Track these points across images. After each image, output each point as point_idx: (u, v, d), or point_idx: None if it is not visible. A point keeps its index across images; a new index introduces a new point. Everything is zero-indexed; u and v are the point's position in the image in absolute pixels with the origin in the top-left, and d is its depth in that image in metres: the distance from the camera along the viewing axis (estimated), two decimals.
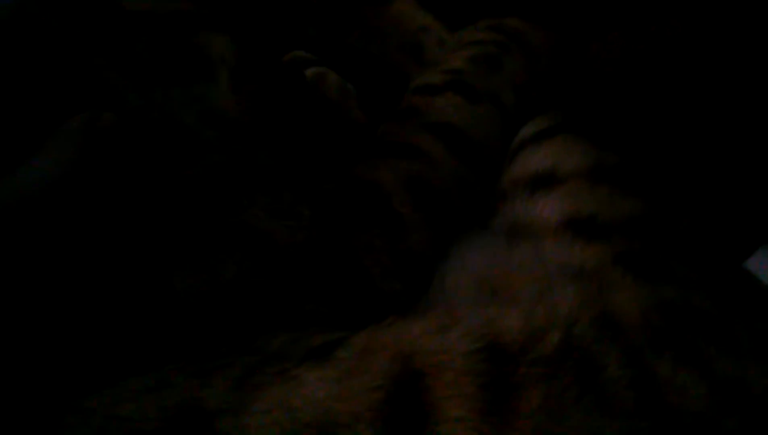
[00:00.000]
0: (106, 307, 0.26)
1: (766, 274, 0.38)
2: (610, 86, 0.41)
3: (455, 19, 0.48)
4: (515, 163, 0.36)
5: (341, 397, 0.21)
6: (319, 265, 0.29)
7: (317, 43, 0.47)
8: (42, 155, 0.26)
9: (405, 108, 0.38)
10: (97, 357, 0.25)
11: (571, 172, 0.33)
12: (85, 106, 0.28)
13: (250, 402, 0.22)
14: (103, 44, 0.30)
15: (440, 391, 0.21)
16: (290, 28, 0.47)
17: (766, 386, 0.26)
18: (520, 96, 0.40)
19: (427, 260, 0.31)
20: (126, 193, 0.28)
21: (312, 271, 0.29)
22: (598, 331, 0.24)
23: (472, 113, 0.37)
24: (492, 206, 0.35)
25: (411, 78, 0.45)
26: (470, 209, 0.35)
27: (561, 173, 0.33)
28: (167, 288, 0.27)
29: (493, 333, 0.23)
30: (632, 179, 0.34)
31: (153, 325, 0.26)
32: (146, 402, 0.22)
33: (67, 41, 0.29)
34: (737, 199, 0.39)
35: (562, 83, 0.42)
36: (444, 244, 0.32)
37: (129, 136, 0.28)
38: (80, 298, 0.26)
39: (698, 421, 0.23)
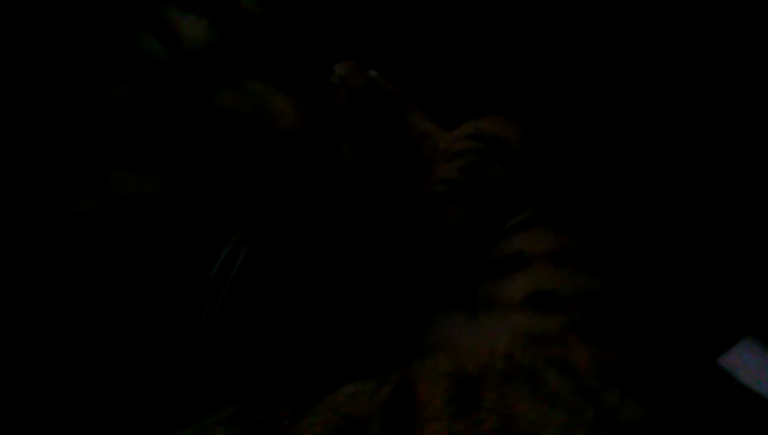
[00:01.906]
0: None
1: (746, 368, 0.43)
2: (576, 184, 0.49)
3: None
4: (494, 251, 0.43)
5: (362, 402, 0.30)
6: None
7: None
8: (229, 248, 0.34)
9: (419, 213, 0.46)
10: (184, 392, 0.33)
11: (537, 255, 0.40)
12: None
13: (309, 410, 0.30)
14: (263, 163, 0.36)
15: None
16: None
17: (700, 419, 0.31)
18: (502, 193, 0.47)
19: (420, 327, 0.38)
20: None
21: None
22: (547, 361, 0.31)
23: (472, 220, 0.44)
24: (474, 287, 0.41)
25: (416, 176, 0.53)
26: (459, 286, 0.41)
27: (528, 256, 0.40)
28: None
29: (462, 364, 0.30)
30: (591, 261, 0.40)
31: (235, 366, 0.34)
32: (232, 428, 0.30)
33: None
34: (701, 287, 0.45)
35: (537, 177, 0.49)
36: (434, 313, 0.39)
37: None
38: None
39: (638, 428, 0.29)
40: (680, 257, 0.49)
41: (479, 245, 0.45)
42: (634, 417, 0.30)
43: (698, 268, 0.51)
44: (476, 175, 0.48)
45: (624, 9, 0.57)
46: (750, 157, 0.53)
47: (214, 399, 0.35)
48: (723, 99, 0.54)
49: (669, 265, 0.48)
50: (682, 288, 0.49)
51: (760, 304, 0.50)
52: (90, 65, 0.34)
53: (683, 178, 0.51)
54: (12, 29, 0.35)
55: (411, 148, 0.56)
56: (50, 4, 0.35)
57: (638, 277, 0.42)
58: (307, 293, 0.40)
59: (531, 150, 0.51)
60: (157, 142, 0.34)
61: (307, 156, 0.35)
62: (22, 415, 0.35)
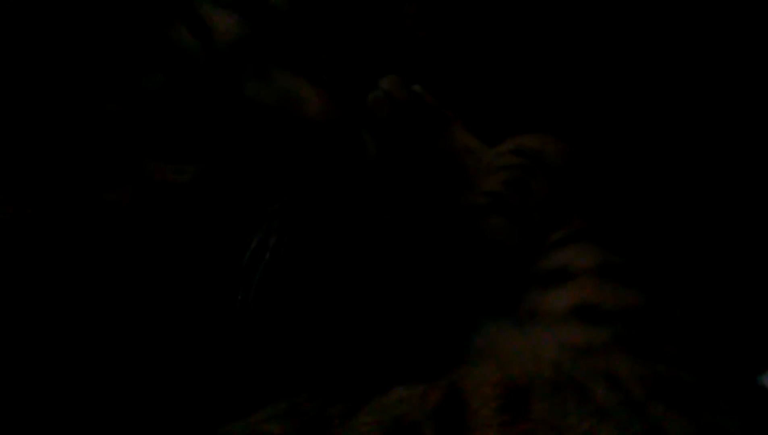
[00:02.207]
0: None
1: None
2: (619, 200, 0.49)
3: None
4: (537, 264, 0.44)
5: (412, 405, 0.31)
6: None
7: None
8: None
9: (461, 224, 0.47)
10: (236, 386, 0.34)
11: (581, 270, 0.41)
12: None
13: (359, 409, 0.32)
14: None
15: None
16: None
17: (743, 433, 0.32)
18: (545, 208, 0.48)
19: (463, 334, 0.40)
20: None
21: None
22: (593, 373, 0.32)
23: (515, 232, 0.45)
24: (517, 297, 0.43)
25: (456, 192, 0.54)
26: (503, 296, 0.43)
27: (572, 270, 0.41)
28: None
29: (509, 372, 0.31)
30: (635, 276, 0.41)
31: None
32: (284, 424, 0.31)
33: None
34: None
35: (579, 193, 0.50)
36: (478, 320, 0.40)
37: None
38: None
39: None
40: (723, 273, 0.50)
41: (522, 257, 0.45)
42: (680, 430, 0.31)
43: (741, 284, 0.51)
44: (519, 189, 0.49)
45: (668, 26, 0.57)
46: None
47: (263, 393, 0.36)
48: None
49: (711, 281, 0.48)
50: (725, 304, 0.50)
51: None
52: (125, 56, 0.35)
53: (727, 194, 0.51)
54: (49, 21, 0.36)
55: (454, 161, 0.57)
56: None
57: (681, 292, 0.43)
58: (344, 289, 0.41)
59: (573, 166, 0.52)
60: (189, 133, 0.35)
61: (333, 143, 0.36)
62: (49, 406, 0.36)
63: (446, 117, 0.59)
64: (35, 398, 0.35)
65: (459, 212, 0.49)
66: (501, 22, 0.62)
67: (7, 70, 0.34)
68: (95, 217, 0.35)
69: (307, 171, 0.36)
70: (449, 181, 0.57)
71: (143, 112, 0.34)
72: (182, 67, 0.34)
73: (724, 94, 0.56)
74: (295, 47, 0.39)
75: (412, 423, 0.31)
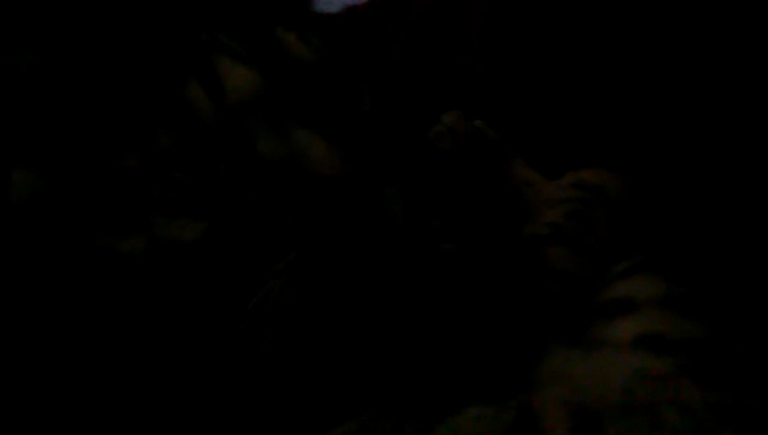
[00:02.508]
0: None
1: None
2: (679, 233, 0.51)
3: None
4: (602, 294, 0.46)
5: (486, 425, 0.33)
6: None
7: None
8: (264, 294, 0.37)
9: (525, 255, 0.49)
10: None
11: (644, 300, 0.42)
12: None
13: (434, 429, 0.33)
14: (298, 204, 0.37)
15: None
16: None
17: None
18: (606, 241, 0.50)
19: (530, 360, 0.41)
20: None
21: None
22: (663, 398, 0.33)
23: (577, 261, 0.46)
24: (583, 325, 0.44)
25: (515, 224, 0.56)
26: (568, 324, 0.44)
27: (636, 301, 0.42)
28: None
29: (579, 396, 0.33)
30: (698, 308, 0.43)
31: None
32: None
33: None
34: None
35: (639, 227, 0.52)
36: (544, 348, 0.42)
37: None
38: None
39: None
40: None
41: (585, 286, 0.47)
42: None
43: None
44: (580, 222, 0.51)
45: (737, 67, 0.59)
46: None
47: (336, 410, 0.38)
48: None
49: None
50: None
51: None
52: (141, 112, 0.36)
53: None
54: (69, 73, 0.37)
55: (514, 194, 0.59)
56: (105, 50, 0.38)
57: (744, 324, 0.44)
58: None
59: (632, 201, 0.53)
60: (198, 189, 0.36)
61: (344, 201, 0.36)
62: None
63: (506, 151, 0.61)
64: None
65: (522, 243, 0.51)
66: (561, 58, 0.64)
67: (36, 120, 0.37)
68: (110, 265, 0.36)
69: (315, 227, 0.36)
70: (510, 214, 0.59)
71: (155, 169, 0.35)
72: (194, 127, 0.35)
73: None
74: (315, 100, 0.39)
75: None
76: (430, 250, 0.49)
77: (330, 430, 0.36)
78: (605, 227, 0.51)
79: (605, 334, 0.41)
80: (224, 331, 0.36)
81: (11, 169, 0.39)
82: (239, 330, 0.36)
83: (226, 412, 0.38)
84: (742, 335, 0.42)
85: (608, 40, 0.64)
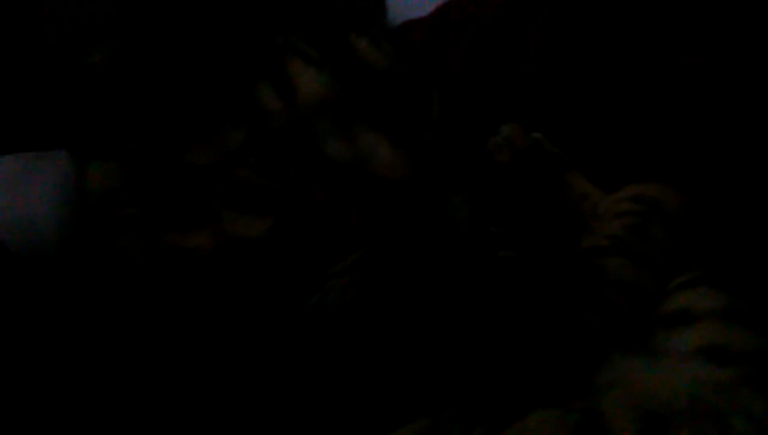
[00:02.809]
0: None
1: None
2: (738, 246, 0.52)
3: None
4: (661, 307, 0.47)
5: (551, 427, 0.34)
6: None
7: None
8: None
9: (584, 265, 0.50)
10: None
11: (705, 312, 0.43)
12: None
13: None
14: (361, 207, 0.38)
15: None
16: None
17: None
18: (664, 254, 0.51)
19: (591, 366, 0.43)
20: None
21: None
22: (729, 406, 0.34)
23: (638, 273, 0.48)
24: (644, 335, 0.45)
25: (572, 236, 0.57)
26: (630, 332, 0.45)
27: (696, 312, 0.43)
28: None
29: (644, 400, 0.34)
30: (758, 320, 0.43)
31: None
32: None
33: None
34: None
35: (698, 240, 0.53)
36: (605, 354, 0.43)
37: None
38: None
39: None
40: None
41: (645, 297, 0.48)
42: None
43: None
44: (639, 234, 0.52)
45: None
46: None
47: (397, 414, 0.39)
48: None
49: None
50: None
51: None
52: (214, 111, 0.37)
53: None
54: (145, 71, 0.39)
55: (571, 207, 0.60)
56: (180, 51, 0.39)
57: None
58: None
59: (691, 215, 0.54)
60: (265, 187, 0.36)
61: (408, 204, 0.36)
62: None
63: (564, 163, 0.62)
64: None
65: (581, 253, 0.53)
66: (620, 71, 0.65)
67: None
68: (177, 261, 0.38)
69: (379, 230, 0.36)
70: (568, 226, 0.60)
71: (225, 167, 0.36)
72: (264, 127, 0.36)
73: None
74: (384, 104, 0.39)
75: None
76: (490, 256, 0.50)
77: (391, 433, 0.37)
78: (664, 240, 0.52)
79: (667, 344, 0.42)
80: (284, 328, 0.38)
81: (89, 162, 0.41)
82: (298, 328, 0.37)
83: (283, 409, 0.39)
84: None
85: (668, 56, 0.65)
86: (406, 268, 0.37)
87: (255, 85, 0.36)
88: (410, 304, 0.39)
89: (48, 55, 0.40)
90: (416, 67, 0.44)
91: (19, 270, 0.39)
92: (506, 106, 0.68)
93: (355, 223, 0.36)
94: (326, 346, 0.38)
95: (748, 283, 0.49)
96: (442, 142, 0.43)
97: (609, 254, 0.51)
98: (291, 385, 0.39)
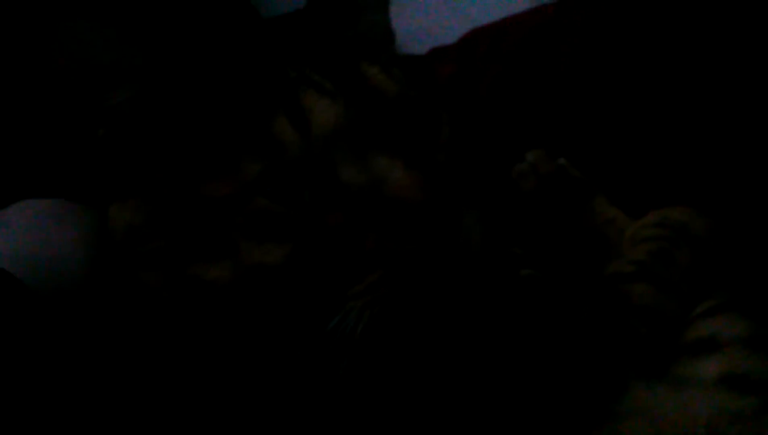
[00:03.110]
0: None
1: None
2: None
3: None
4: (686, 333, 0.47)
5: None
6: None
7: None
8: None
9: (608, 291, 0.50)
10: None
11: (730, 339, 0.43)
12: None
13: None
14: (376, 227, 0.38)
15: None
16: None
17: None
18: (689, 280, 0.51)
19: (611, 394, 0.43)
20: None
21: None
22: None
23: (661, 298, 0.48)
24: (667, 362, 0.45)
25: (597, 261, 0.57)
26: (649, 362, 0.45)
27: (721, 340, 0.43)
28: None
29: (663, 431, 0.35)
30: None
31: None
32: None
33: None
34: None
35: (724, 266, 0.52)
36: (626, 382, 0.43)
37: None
38: None
39: None
40: None
41: (668, 323, 0.48)
42: None
43: None
44: (664, 260, 0.52)
45: None
46: None
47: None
48: None
49: None
50: None
51: None
52: (230, 143, 0.38)
53: None
54: (164, 109, 0.40)
55: (597, 232, 0.60)
56: (196, 85, 0.40)
57: None
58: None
59: (718, 239, 0.54)
60: (283, 215, 0.37)
61: (423, 224, 0.36)
62: None
63: (590, 189, 0.63)
64: None
65: (605, 278, 0.53)
66: (647, 98, 0.66)
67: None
68: (196, 293, 0.39)
69: (396, 251, 0.37)
70: (593, 251, 0.60)
71: (242, 196, 0.37)
72: (281, 158, 0.37)
73: None
74: (396, 129, 0.40)
75: None
76: (510, 276, 0.51)
77: None
78: (689, 265, 0.52)
79: (689, 372, 0.42)
80: (305, 350, 0.39)
81: (107, 204, 0.43)
82: (319, 350, 0.38)
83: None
84: None
85: (696, 83, 0.65)
86: (423, 289, 0.38)
87: (271, 117, 0.37)
88: (428, 325, 0.40)
89: (67, 102, 0.42)
90: (425, 91, 0.45)
91: (38, 309, 0.41)
92: (532, 132, 0.68)
93: (372, 245, 0.37)
94: (347, 369, 0.38)
95: None
96: (454, 162, 0.44)
97: (633, 280, 0.51)
98: (311, 408, 0.40)
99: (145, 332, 0.42)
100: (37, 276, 0.41)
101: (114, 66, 0.40)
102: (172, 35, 0.43)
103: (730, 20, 0.66)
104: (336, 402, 0.40)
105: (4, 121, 0.52)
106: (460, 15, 1.01)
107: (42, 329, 0.40)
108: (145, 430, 0.40)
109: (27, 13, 0.47)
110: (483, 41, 0.76)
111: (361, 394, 0.40)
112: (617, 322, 0.48)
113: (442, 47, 0.84)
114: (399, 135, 0.40)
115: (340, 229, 0.37)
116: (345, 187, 0.37)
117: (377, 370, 0.39)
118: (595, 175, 0.64)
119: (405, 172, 0.38)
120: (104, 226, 0.43)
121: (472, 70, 0.75)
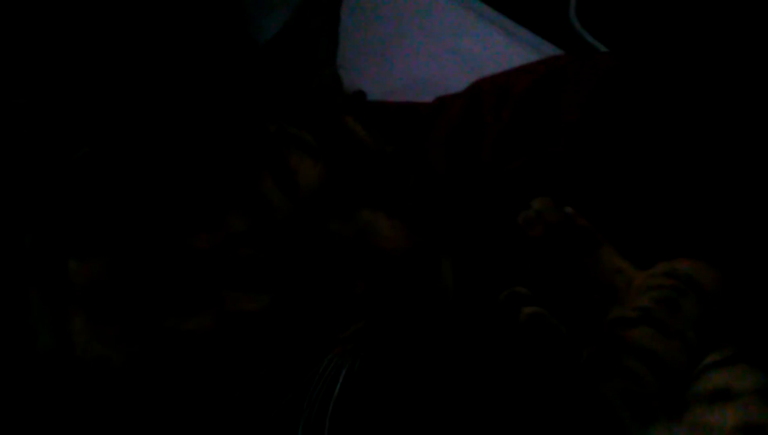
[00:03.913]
0: None
1: None
2: None
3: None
4: (698, 383, 0.46)
5: None
6: None
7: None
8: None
9: (608, 335, 0.50)
10: None
11: (743, 391, 0.43)
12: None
13: None
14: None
15: None
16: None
17: None
18: (698, 332, 0.51)
19: None
20: None
21: None
22: None
23: (664, 343, 0.47)
24: (676, 414, 0.45)
25: (603, 310, 0.57)
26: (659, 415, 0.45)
27: (735, 391, 0.43)
28: None
29: None
30: None
31: None
32: None
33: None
34: None
35: (732, 319, 0.52)
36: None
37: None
38: None
39: None
40: None
41: (673, 370, 0.47)
42: None
43: None
44: (670, 307, 0.52)
45: None
46: None
47: None
48: None
49: None
50: None
51: None
52: (215, 200, 0.38)
53: None
54: (145, 161, 0.39)
55: (603, 281, 0.60)
56: (182, 143, 0.40)
57: None
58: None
59: (726, 293, 0.54)
60: (267, 265, 0.37)
61: (408, 273, 0.38)
62: None
63: (596, 239, 0.63)
64: None
65: (606, 324, 0.52)
66: (652, 150, 0.67)
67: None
68: (175, 346, 0.38)
69: (381, 298, 0.38)
70: (599, 300, 0.60)
71: (227, 250, 0.37)
72: (268, 216, 0.37)
73: None
74: (378, 182, 0.41)
75: None
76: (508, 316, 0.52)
77: None
78: (697, 315, 0.51)
79: (706, 419, 0.42)
80: (290, 397, 0.38)
81: (67, 258, 0.40)
82: (302, 396, 0.38)
83: None
84: None
85: (710, 136, 0.66)
86: (405, 336, 0.39)
87: (256, 175, 0.38)
88: (411, 371, 0.41)
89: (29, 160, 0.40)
90: (391, 140, 0.47)
91: None
92: (538, 181, 0.69)
93: (361, 292, 0.38)
94: (330, 417, 0.38)
95: None
96: (427, 211, 0.45)
97: (635, 325, 0.50)
98: None
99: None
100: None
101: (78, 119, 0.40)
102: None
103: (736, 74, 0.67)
104: None
105: None
106: (466, 65, 1.03)
107: None
108: None
109: None
110: (490, 90, 0.78)
111: None
112: (612, 363, 0.47)
113: (448, 95, 0.85)
114: (378, 187, 0.41)
115: (330, 276, 0.38)
116: (333, 237, 0.38)
117: (360, 418, 0.39)
118: (602, 226, 0.64)
119: (389, 222, 0.39)
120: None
121: (478, 117, 0.76)
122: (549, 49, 1.03)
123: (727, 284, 0.54)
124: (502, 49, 1.05)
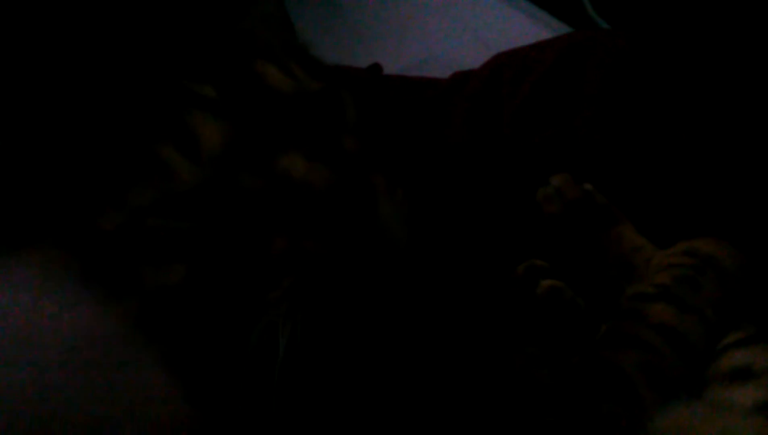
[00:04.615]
0: None
1: None
2: None
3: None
4: (718, 362, 0.46)
5: None
6: None
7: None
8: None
9: (626, 310, 0.49)
10: None
11: (764, 370, 0.43)
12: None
13: None
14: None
15: None
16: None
17: None
18: (717, 311, 0.50)
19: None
20: None
21: None
22: None
23: (682, 318, 0.47)
24: (696, 392, 0.44)
25: (621, 287, 0.57)
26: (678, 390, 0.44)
27: (756, 370, 0.43)
28: None
29: None
30: None
31: None
32: None
33: None
34: None
35: (752, 299, 0.52)
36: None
37: None
38: None
39: None
40: None
41: (692, 346, 0.47)
42: None
43: None
44: (689, 285, 0.51)
45: None
46: None
47: None
48: None
49: None
50: None
51: None
52: (118, 173, 0.36)
53: None
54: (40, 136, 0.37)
55: (622, 259, 0.60)
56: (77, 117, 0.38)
57: None
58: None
59: (747, 273, 0.53)
60: (177, 235, 0.36)
61: (329, 213, 0.35)
62: None
63: (615, 216, 0.62)
64: None
65: (624, 299, 0.52)
66: (675, 127, 0.66)
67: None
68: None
69: (308, 249, 0.36)
70: (617, 277, 0.60)
71: (136, 226, 0.36)
72: (172, 184, 0.36)
73: None
74: (297, 125, 0.38)
75: None
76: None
77: None
78: (717, 295, 0.51)
79: (726, 397, 0.42)
80: (231, 371, 0.37)
81: None
82: (245, 369, 0.36)
83: None
84: None
85: (724, 113, 0.66)
86: (344, 288, 0.37)
87: (156, 142, 0.36)
88: (357, 330, 0.39)
89: None
90: (332, 82, 0.43)
91: None
92: (557, 157, 0.68)
93: (282, 246, 0.36)
94: (278, 388, 0.37)
95: None
96: (369, 144, 0.42)
97: (654, 300, 0.50)
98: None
99: None
100: None
101: None
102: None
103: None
104: (269, 421, 0.38)
105: None
106: (482, 43, 1.03)
107: None
108: None
109: None
110: (510, 63, 0.77)
111: (295, 412, 0.38)
112: (629, 336, 0.47)
113: (464, 71, 0.84)
114: (299, 130, 0.38)
115: (243, 237, 0.36)
116: (245, 193, 0.36)
117: (309, 386, 0.38)
118: (621, 203, 0.63)
119: (306, 163, 0.36)
120: None
121: (498, 91, 0.75)
122: (564, 29, 1.02)
123: (748, 264, 0.54)
124: (519, 28, 1.05)
